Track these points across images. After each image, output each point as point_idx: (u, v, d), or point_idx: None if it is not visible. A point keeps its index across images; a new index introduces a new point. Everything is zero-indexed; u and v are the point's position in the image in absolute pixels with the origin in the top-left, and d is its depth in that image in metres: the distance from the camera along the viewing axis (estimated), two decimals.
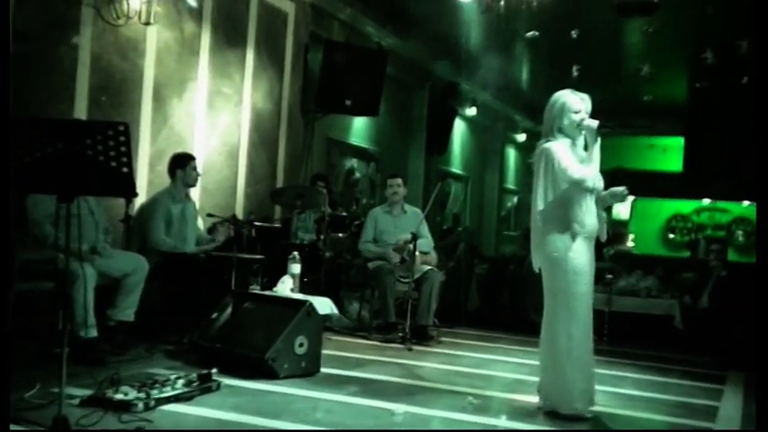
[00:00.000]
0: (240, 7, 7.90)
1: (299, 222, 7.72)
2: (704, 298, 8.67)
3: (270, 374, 4.97)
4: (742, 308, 7.98)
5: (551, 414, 4.55)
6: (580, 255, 4.47)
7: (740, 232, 15.83)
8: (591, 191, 4.48)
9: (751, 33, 6.42)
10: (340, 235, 8.19)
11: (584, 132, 4.55)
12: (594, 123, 4.47)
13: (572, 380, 4.45)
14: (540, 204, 4.50)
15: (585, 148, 4.57)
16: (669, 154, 16.12)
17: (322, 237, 7.75)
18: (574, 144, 4.56)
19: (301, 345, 5.15)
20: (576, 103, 4.53)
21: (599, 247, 5.02)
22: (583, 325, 4.51)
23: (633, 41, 10.26)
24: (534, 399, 4.79)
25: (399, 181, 7.83)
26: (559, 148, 4.47)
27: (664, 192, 15.73)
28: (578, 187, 4.43)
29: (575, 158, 4.47)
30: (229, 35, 7.74)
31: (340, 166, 10.80)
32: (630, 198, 15.83)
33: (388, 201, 7.86)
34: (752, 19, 6.99)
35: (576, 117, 4.51)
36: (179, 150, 6.67)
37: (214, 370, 4.61)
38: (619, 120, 15.16)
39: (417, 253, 7.16)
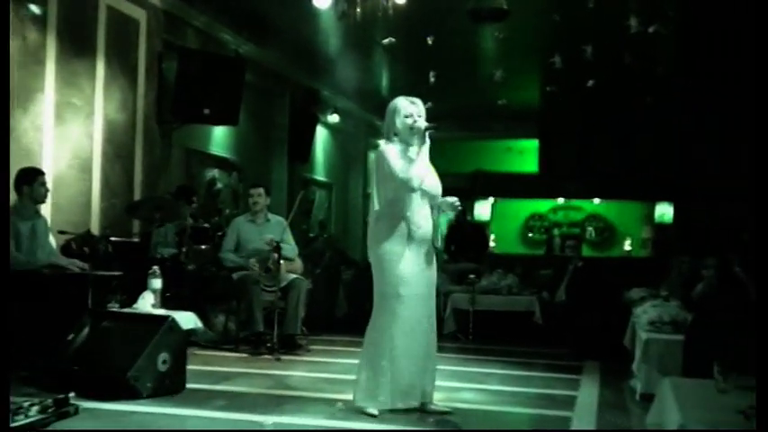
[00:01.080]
0: (87, 15, 7.61)
1: (158, 236, 7.52)
2: (561, 292, 9.03)
3: (132, 394, 4.82)
4: (595, 300, 8.36)
5: (427, 414, 4.64)
6: (409, 257, 4.56)
7: (591, 228, 16.57)
8: (414, 191, 4.57)
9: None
10: (203, 247, 8.01)
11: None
12: (422, 125, 4.59)
13: (389, 379, 4.55)
14: (375, 205, 4.66)
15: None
16: (525, 156, 16.66)
17: (184, 249, 7.58)
18: (409, 147, 4.66)
19: (165, 362, 5.01)
20: (406, 107, 4.67)
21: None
22: (407, 327, 4.57)
23: (487, 47, 10.55)
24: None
25: (261, 190, 7.77)
26: (390, 150, 4.63)
27: (521, 192, 16.25)
28: (404, 187, 4.54)
29: (405, 160, 4.58)
30: (77, 44, 7.44)
31: (201, 176, 10.58)
32: (491, 199, 16.30)
33: (250, 210, 7.78)
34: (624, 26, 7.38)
35: (408, 121, 4.63)
36: (26, 165, 6.35)
37: (72, 394, 4.40)
38: (477, 124, 15.63)
39: (282, 262, 7.12)
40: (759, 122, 3.43)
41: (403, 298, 4.53)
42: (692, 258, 8.06)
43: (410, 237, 4.55)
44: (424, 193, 4.63)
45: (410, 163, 4.55)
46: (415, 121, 4.61)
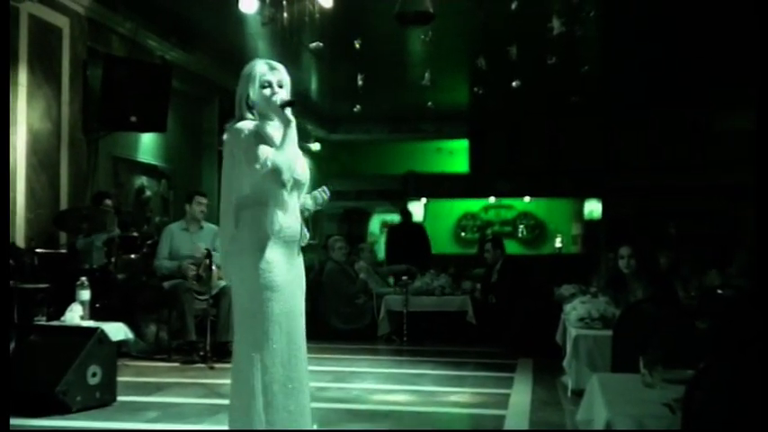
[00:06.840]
0: (9, 23, 7.42)
1: (86, 246, 7.38)
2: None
3: (61, 409, 4.73)
4: (526, 297, 8.48)
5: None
6: (276, 266, 3.50)
7: (523, 227, 16.83)
8: (285, 185, 3.53)
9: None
10: (132, 256, 7.89)
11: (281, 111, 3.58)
12: (278, 100, 3.57)
13: (262, 422, 3.40)
14: (229, 202, 3.61)
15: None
16: (456, 156, 16.84)
17: (113, 259, 7.45)
18: (267, 124, 3.63)
19: (94, 374, 4.93)
20: (264, 74, 3.63)
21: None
22: (281, 356, 3.46)
23: (415, 50, 10.64)
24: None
25: (206, 199, 7.72)
26: (248, 131, 3.54)
27: (453, 192, 16.41)
28: (271, 180, 3.49)
29: (267, 143, 3.52)
30: None
31: (129, 184, 10.40)
32: (423, 200, 16.41)
33: (187, 217, 7.66)
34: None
35: (266, 92, 3.61)
36: None
37: None
38: (407, 125, 15.73)
39: (214, 268, 7.05)
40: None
41: (275, 317, 3.49)
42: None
43: (276, 240, 3.51)
44: (296, 185, 3.61)
45: (275, 147, 3.50)
46: (274, 93, 3.59)
